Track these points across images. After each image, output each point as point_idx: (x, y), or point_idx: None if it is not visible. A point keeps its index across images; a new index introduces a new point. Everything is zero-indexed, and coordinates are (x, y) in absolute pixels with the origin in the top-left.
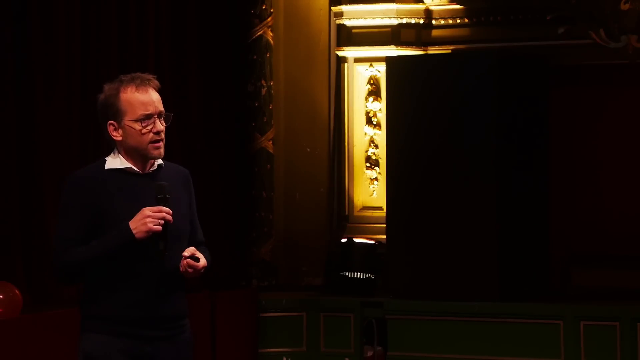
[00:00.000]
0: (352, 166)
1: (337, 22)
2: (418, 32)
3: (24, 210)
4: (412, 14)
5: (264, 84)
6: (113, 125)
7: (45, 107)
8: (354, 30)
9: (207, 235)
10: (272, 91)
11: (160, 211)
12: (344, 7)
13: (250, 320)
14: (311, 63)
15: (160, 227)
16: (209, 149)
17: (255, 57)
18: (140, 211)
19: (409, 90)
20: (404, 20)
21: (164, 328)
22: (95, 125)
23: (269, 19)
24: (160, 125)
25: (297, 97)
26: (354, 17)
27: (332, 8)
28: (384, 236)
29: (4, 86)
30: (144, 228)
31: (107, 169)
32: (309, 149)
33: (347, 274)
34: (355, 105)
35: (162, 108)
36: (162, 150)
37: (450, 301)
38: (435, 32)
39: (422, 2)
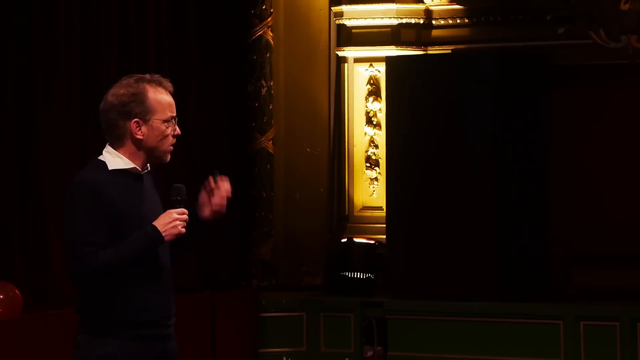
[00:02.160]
0: (352, 166)
1: (337, 22)
2: (418, 32)
3: (24, 210)
4: (412, 14)
5: (264, 84)
6: (137, 123)
7: (45, 107)
8: (354, 30)
9: (207, 235)
10: (272, 91)
11: (184, 213)
12: (344, 7)
13: (250, 320)
14: (311, 63)
15: (185, 230)
16: (208, 149)
17: (255, 57)
18: (166, 214)
19: (409, 90)
20: (404, 20)
21: (169, 325)
22: (95, 125)
23: (269, 19)
24: (179, 130)
25: (297, 97)
26: (354, 17)
27: (332, 8)
28: (384, 236)
29: (4, 86)
30: (174, 231)
31: (112, 170)
32: (309, 149)
33: (347, 274)
34: (355, 105)
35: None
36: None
37: (450, 301)
38: (435, 32)
39: (422, 2)
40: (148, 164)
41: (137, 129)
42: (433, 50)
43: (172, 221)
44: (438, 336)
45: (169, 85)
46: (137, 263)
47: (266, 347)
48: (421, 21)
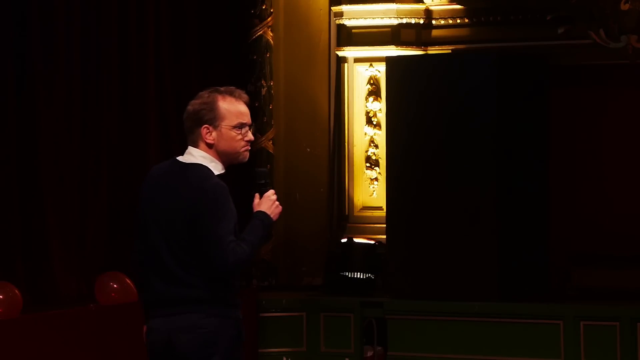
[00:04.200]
0: (352, 166)
1: (337, 22)
2: (418, 32)
3: (24, 210)
4: (412, 14)
5: (264, 84)
6: (208, 128)
7: (45, 108)
8: (354, 30)
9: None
10: (272, 91)
11: (275, 194)
12: (344, 7)
13: (250, 320)
14: (311, 63)
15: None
16: None
17: (255, 57)
18: (266, 198)
19: (409, 90)
20: (404, 20)
21: None
22: (94, 126)
23: (269, 19)
24: (252, 135)
25: (297, 97)
26: (354, 17)
27: (332, 8)
28: (384, 236)
29: (4, 86)
30: (277, 210)
31: (217, 174)
32: (309, 149)
33: (347, 274)
34: (355, 105)
35: (251, 120)
36: (248, 155)
37: (450, 301)
38: (435, 32)
39: (422, 2)
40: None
41: (207, 133)
42: (433, 50)
43: (273, 202)
44: (438, 336)
45: (242, 95)
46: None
47: (266, 347)
48: (421, 21)
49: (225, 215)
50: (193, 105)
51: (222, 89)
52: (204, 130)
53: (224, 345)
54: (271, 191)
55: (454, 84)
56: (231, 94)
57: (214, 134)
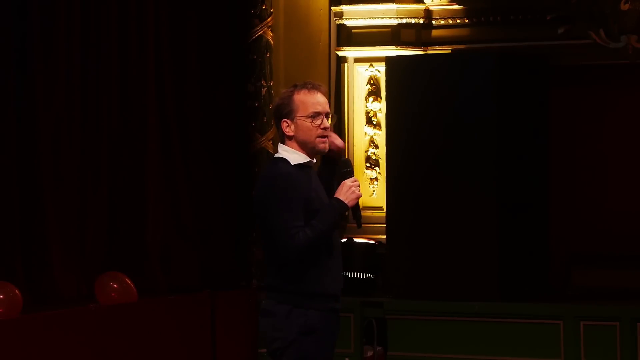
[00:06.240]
0: (352, 166)
1: (337, 22)
2: (418, 32)
3: (24, 210)
4: (412, 14)
5: (264, 84)
6: (286, 122)
7: (45, 108)
8: (354, 30)
9: (207, 235)
10: (272, 91)
11: (356, 181)
12: (344, 7)
13: (250, 320)
14: (311, 63)
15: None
16: (208, 149)
17: (255, 57)
18: (343, 184)
19: (409, 91)
20: (404, 20)
21: (340, 300)
22: (94, 126)
23: (269, 19)
24: (327, 123)
25: None
26: (354, 17)
27: (332, 8)
28: (384, 236)
29: (4, 87)
30: (353, 196)
31: (294, 164)
32: None
33: (347, 274)
34: (355, 105)
35: (328, 109)
36: (327, 145)
37: (450, 301)
38: (435, 32)
39: (422, 2)
40: (314, 157)
41: (287, 127)
42: (433, 50)
43: (349, 189)
44: (438, 336)
45: (317, 86)
46: (330, 235)
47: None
48: (421, 21)
49: (288, 202)
50: (274, 103)
51: (298, 84)
52: (283, 124)
53: (289, 332)
54: (351, 178)
55: (454, 84)
56: (304, 86)
57: (292, 126)
